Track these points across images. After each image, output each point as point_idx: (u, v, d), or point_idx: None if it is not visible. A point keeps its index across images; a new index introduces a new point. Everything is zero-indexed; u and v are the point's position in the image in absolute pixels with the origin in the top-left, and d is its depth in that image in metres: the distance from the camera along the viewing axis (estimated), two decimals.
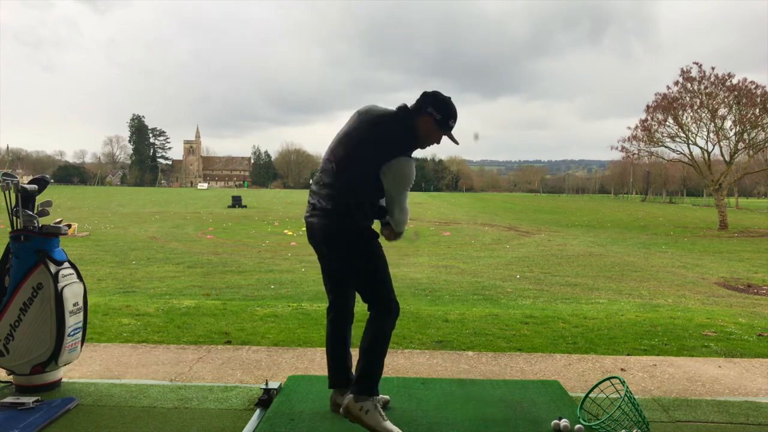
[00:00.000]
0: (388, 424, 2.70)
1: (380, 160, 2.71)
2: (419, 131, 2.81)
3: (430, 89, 2.86)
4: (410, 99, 2.90)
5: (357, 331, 3.01)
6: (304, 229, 2.96)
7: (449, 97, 2.84)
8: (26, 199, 3.36)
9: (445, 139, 2.89)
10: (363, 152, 2.76)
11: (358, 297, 3.03)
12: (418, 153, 2.90)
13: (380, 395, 2.89)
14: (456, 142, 2.90)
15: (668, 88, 25.79)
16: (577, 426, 2.84)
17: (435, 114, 2.78)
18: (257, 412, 3.06)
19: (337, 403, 2.99)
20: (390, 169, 2.70)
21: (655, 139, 27.05)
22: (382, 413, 2.74)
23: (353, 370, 2.94)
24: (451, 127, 2.84)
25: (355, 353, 2.98)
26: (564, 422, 2.85)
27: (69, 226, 10.91)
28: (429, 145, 2.88)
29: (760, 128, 25.01)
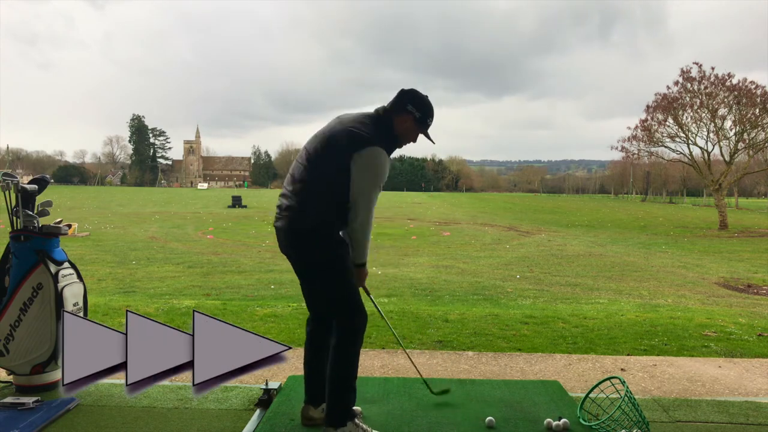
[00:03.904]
0: None
1: (353, 149, 2.58)
2: (397, 129, 2.75)
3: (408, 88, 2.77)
4: None
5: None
6: None
7: (426, 96, 2.78)
8: (26, 199, 3.36)
9: (422, 138, 2.83)
10: (337, 144, 2.62)
11: None
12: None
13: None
14: (432, 141, 2.83)
15: (668, 88, 25.88)
16: (563, 420, 2.86)
17: (415, 112, 2.73)
18: (257, 412, 3.06)
19: (310, 416, 2.86)
20: (362, 156, 2.57)
21: (655, 139, 27.08)
22: (365, 427, 2.69)
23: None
24: (429, 126, 2.79)
25: None
26: (556, 423, 2.86)
27: (69, 226, 10.89)
28: (406, 143, 2.81)
29: (760, 128, 25.04)
